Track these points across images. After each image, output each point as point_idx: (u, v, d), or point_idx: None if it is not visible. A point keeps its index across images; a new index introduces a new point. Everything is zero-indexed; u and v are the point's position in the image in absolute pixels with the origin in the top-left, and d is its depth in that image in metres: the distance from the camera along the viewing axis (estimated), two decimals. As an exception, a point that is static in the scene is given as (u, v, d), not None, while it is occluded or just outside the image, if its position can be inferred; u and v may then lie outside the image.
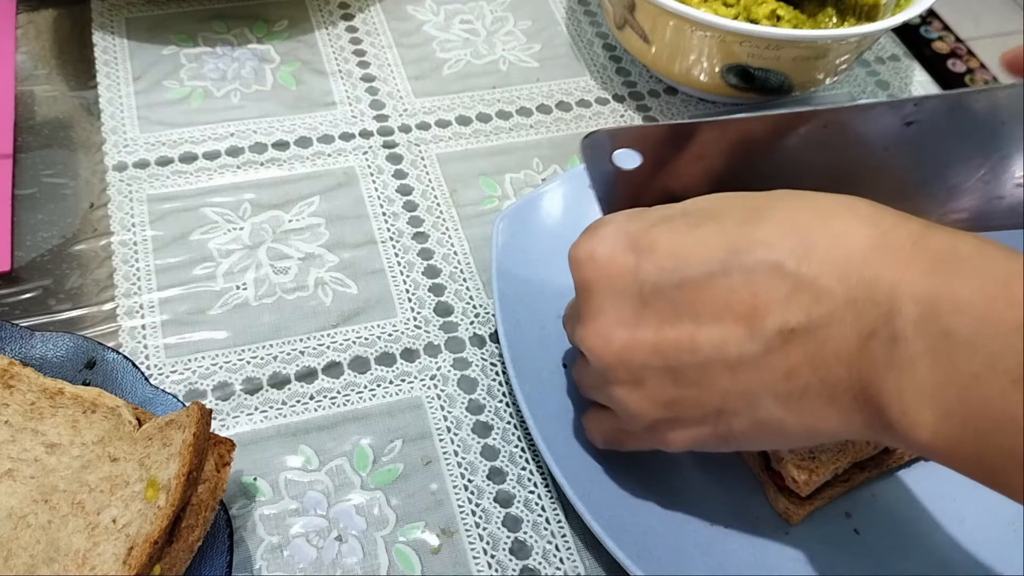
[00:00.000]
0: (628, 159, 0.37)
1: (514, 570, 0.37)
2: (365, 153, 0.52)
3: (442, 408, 0.42)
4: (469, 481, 0.39)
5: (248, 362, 0.42)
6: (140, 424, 0.34)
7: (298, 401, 0.41)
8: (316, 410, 0.41)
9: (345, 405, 0.41)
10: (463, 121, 0.54)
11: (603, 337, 0.32)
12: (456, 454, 0.40)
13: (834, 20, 0.53)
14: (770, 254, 0.29)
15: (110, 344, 0.41)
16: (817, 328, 0.28)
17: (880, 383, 0.27)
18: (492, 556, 0.37)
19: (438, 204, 0.50)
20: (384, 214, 0.49)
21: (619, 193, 0.36)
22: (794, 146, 0.35)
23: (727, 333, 0.30)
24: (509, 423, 0.41)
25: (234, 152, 0.51)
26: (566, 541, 0.38)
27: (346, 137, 0.53)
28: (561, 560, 0.38)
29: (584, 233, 0.34)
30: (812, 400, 0.29)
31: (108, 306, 0.44)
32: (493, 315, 0.45)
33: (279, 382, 0.42)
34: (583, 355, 0.35)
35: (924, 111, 0.34)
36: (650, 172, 0.36)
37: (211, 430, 0.34)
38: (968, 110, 0.34)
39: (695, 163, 0.36)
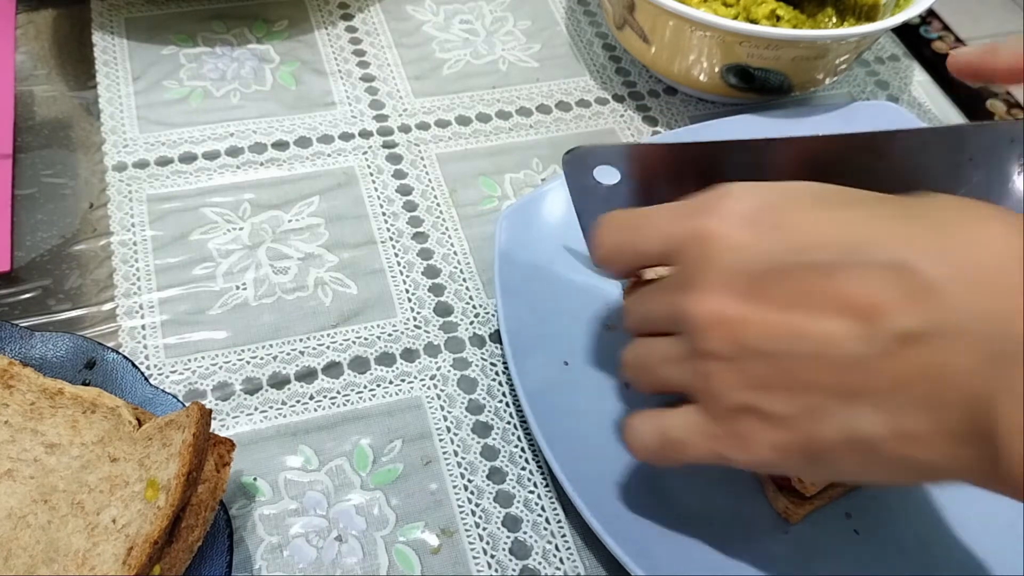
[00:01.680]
0: (608, 175, 0.37)
1: (514, 570, 0.37)
2: (365, 153, 0.52)
3: (442, 408, 0.42)
4: (469, 481, 0.39)
5: (248, 362, 0.42)
6: (140, 424, 0.34)
7: (298, 401, 0.41)
8: (316, 410, 0.41)
9: (345, 405, 0.41)
10: (463, 121, 0.54)
11: (712, 308, 0.30)
12: (456, 454, 0.40)
13: (834, 20, 0.53)
14: (902, 251, 0.27)
15: (110, 344, 0.41)
16: (936, 337, 0.26)
17: (996, 408, 0.25)
18: (492, 556, 0.37)
19: (438, 204, 0.50)
20: (384, 214, 0.49)
21: (599, 209, 0.37)
22: (768, 173, 0.35)
23: (840, 328, 0.27)
24: (509, 423, 0.41)
25: (234, 152, 0.51)
26: (566, 541, 0.38)
27: (346, 137, 0.53)
28: (561, 560, 0.38)
29: (698, 201, 0.32)
30: (915, 417, 0.27)
31: (108, 306, 0.44)
32: (493, 315, 0.45)
33: (279, 382, 0.42)
34: (658, 333, 0.33)
35: (888, 145, 0.34)
36: (629, 189, 0.36)
37: (211, 430, 0.34)
38: (933, 145, 0.34)
39: (673, 183, 0.36)
